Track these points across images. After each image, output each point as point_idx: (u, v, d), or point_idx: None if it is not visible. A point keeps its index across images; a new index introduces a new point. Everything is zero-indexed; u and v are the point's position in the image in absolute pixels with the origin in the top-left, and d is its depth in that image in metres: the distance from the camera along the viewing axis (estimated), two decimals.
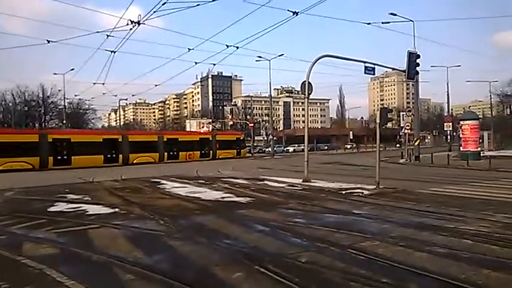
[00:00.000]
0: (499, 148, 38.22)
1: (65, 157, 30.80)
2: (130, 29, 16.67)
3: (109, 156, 33.25)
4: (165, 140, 38.10)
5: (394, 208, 9.33)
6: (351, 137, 65.89)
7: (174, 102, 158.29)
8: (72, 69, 44.90)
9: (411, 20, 27.36)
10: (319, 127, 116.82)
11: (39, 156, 29.35)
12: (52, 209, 10.33)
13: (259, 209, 9.62)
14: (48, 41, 20.89)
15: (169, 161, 36.60)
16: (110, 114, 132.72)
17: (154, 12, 14.99)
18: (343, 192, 12.23)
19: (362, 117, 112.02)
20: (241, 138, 45.92)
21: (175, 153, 37.67)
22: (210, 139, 41.94)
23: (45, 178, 19.58)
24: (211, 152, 40.70)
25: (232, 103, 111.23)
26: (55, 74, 46.46)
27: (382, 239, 6.26)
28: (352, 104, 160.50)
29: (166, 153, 37.21)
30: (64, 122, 46.75)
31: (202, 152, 40.01)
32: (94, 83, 35.89)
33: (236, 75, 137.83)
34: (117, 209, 9.95)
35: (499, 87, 46.58)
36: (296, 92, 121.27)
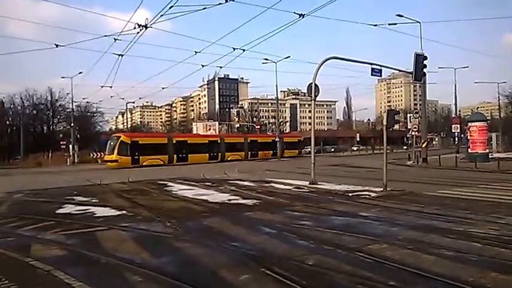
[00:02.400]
0: (508, 150, 37.88)
1: (184, 155, 37.32)
2: (138, 32, 16.79)
3: (212, 154, 39.76)
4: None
5: (401, 210, 9.29)
6: (358, 139, 65.64)
7: (181, 105, 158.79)
8: (81, 73, 45.02)
9: (418, 22, 27.20)
10: (326, 129, 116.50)
11: (167, 155, 36.44)
12: (60, 211, 10.41)
13: (265, 211, 9.63)
14: (57, 45, 21.09)
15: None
16: (117, 117, 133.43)
17: (161, 15, 15.07)
18: (350, 194, 12.20)
19: (369, 119, 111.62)
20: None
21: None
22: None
23: (54, 181, 19.72)
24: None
25: (239, 105, 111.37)
26: (63, 77, 46.69)
27: (389, 241, 6.24)
28: (359, 106, 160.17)
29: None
30: (72, 125, 47.04)
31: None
32: (102, 86, 36.26)
33: (242, 78, 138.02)
34: (124, 211, 10.01)
35: (508, 89, 46.18)
36: (302, 94, 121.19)
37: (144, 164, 34.11)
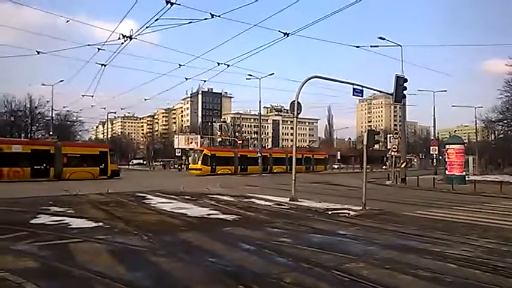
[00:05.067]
0: (484, 173, 38.78)
1: (244, 167, 44.85)
2: (122, 43, 16.72)
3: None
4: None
5: (379, 230, 9.37)
6: (339, 157, 66.26)
7: (163, 117, 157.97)
8: (62, 81, 44.44)
9: (399, 45, 27.96)
10: (308, 146, 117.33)
11: (234, 166, 44.27)
12: (34, 221, 10.12)
13: (245, 227, 9.56)
14: (38, 52, 20.76)
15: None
16: (97, 127, 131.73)
17: (146, 27, 15.07)
18: (330, 212, 12.25)
19: (350, 138, 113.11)
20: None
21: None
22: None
23: (29, 190, 19.22)
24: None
25: (222, 120, 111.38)
26: (43, 85, 45.88)
27: (367, 260, 6.27)
28: (340, 125, 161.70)
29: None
30: (51, 133, 46.10)
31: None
32: (83, 95, 35.88)
33: (226, 93, 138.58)
34: (100, 223, 9.80)
35: (484, 113, 47.48)
36: (285, 110, 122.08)
37: (218, 172, 41.25)
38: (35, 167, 28.74)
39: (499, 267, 5.95)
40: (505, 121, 41.04)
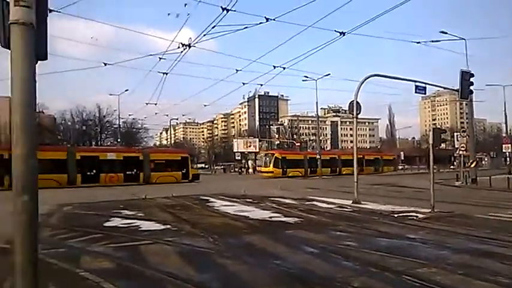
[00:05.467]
0: None
1: (313, 169, 44.06)
2: (182, 51, 17.27)
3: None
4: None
5: (450, 233, 8.90)
6: (402, 158, 63.81)
7: (222, 121, 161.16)
8: (127, 90, 47.10)
9: (463, 39, 26.53)
10: (368, 147, 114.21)
11: (304, 168, 44.28)
12: (108, 224, 10.76)
13: (308, 230, 9.50)
14: (105, 64, 22.03)
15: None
16: (161, 133, 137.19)
17: (204, 35, 15.45)
18: (396, 215, 11.82)
19: (413, 138, 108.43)
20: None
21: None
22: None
23: (102, 194, 20.43)
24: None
25: (279, 122, 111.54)
26: (110, 94, 48.84)
27: (439, 265, 5.98)
28: (402, 124, 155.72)
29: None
30: (118, 140, 48.76)
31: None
32: (147, 103, 37.61)
33: (283, 95, 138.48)
34: (168, 226, 10.21)
35: None
36: (343, 111, 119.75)
37: (289, 175, 41.60)
38: (127, 172, 31.45)
39: None
40: None
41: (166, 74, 21.68)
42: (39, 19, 3.25)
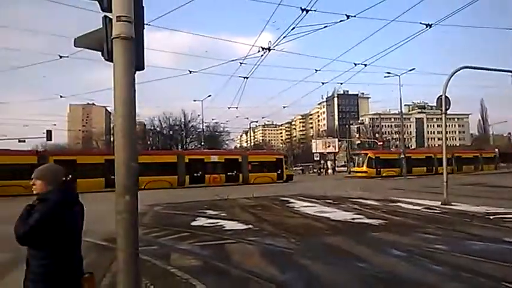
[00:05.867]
0: None
1: (409, 168, 41.34)
2: (262, 55, 17.54)
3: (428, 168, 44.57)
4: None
5: None
6: (497, 155, 58.58)
7: (300, 122, 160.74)
8: (209, 96, 48.83)
9: None
10: (458, 144, 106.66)
11: (400, 168, 40.92)
12: (194, 223, 11.30)
13: (393, 232, 9.15)
14: (190, 71, 23.10)
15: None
16: (241, 136, 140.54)
17: (284, 37, 15.54)
18: (491, 217, 10.91)
19: (509, 133, 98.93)
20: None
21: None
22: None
23: (187, 195, 21.46)
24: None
25: (359, 121, 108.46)
26: (194, 100, 51.34)
27: None
28: (497, 119, 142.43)
29: None
30: (202, 143, 50.87)
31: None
32: (229, 107, 38.88)
33: (363, 93, 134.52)
34: (250, 226, 10.46)
35: None
36: (429, 107, 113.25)
37: (383, 175, 40.93)
38: (228, 173, 33.37)
39: None
40: None
41: (247, 78, 22.17)
42: (137, 33, 3.54)
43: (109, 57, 3.49)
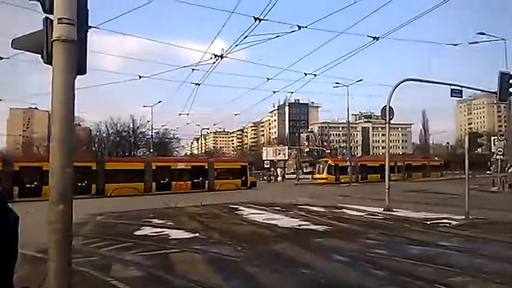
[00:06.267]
0: None
1: (364, 175, 44.87)
2: (214, 62, 17.45)
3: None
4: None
5: (486, 241, 8.59)
6: (443, 163, 61.96)
7: (252, 130, 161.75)
8: (160, 102, 47.99)
9: (503, 39, 25.73)
10: (401, 153, 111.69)
11: (355, 175, 44.15)
12: (138, 232, 10.95)
13: (337, 238, 9.38)
14: (140, 77, 22.56)
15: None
16: (192, 143, 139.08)
17: (236, 45, 15.58)
18: (429, 222, 11.49)
19: (448, 143, 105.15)
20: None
21: None
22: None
23: (133, 203, 20.83)
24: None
25: (309, 130, 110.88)
26: (144, 106, 50.24)
27: (473, 274, 5.77)
28: (437, 129, 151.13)
29: None
30: (151, 150, 49.74)
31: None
32: (179, 114, 38.32)
33: (313, 102, 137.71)
34: (197, 234, 10.30)
35: None
36: (375, 117, 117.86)
37: (341, 181, 42.45)
38: (195, 180, 33.40)
39: None
40: None
41: (199, 84, 21.90)
42: (79, 36, 3.40)
43: (48, 60, 3.35)
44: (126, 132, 62.81)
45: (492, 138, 33.17)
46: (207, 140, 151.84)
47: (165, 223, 12.86)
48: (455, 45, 22.04)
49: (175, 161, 37.12)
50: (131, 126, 62.07)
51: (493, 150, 30.37)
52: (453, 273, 5.84)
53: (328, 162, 45.48)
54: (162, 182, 31.76)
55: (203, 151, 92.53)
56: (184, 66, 20.99)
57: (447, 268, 6.10)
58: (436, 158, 63.47)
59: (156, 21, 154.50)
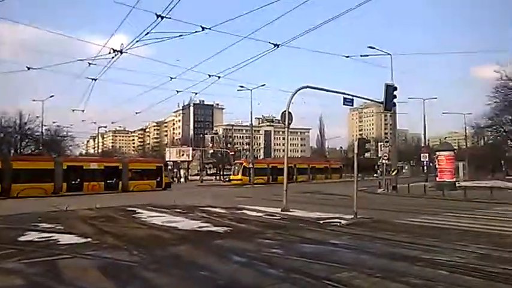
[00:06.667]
0: (474, 179, 39.05)
1: (275, 176, 45.81)
2: (113, 57, 16.62)
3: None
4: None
5: (371, 238, 9.35)
6: (342, 166, 66.31)
7: (155, 130, 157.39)
8: (52, 96, 44.23)
9: (388, 54, 28.33)
10: (300, 156, 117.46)
11: (267, 176, 47.75)
12: (22, 238, 9.93)
13: (236, 239, 9.49)
14: (28, 68, 20.62)
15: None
16: (88, 142, 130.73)
17: (137, 41, 15.02)
18: (321, 221, 12.20)
19: (341, 147, 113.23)
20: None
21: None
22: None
23: (19, 207, 18.93)
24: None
25: (213, 131, 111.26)
26: (34, 100, 46.04)
27: (358, 269, 6.23)
28: (332, 134, 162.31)
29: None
30: (40, 148, 45.64)
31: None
32: (73, 110, 35.86)
33: (218, 104, 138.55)
34: (89, 239, 9.64)
35: (474, 119, 47.68)
36: (277, 121, 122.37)
37: (255, 182, 43.71)
38: (108, 181, 32.52)
39: (491, 273, 5.94)
40: (494, 127, 41.06)
41: (95, 80, 20.76)
42: None
43: None
44: (12, 128, 56.74)
45: (379, 144, 36.54)
46: (105, 139, 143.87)
47: (55, 227, 11.83)
48: (347, 56, 23.70)
49: (87, 160, 36.28)
50: (18, 121, 56.28)
51: (379, 155, 33.43)
52: (341, 269, 6.25)
53: (243, 164, 47.60)
54: (73, 182, 30.56)
55: (100, 150, 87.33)
56: (80, 60, 19.70)
57: (336, 265, 6.51)
58: (336, 162, 68.16)
59: (50, 9, 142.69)
